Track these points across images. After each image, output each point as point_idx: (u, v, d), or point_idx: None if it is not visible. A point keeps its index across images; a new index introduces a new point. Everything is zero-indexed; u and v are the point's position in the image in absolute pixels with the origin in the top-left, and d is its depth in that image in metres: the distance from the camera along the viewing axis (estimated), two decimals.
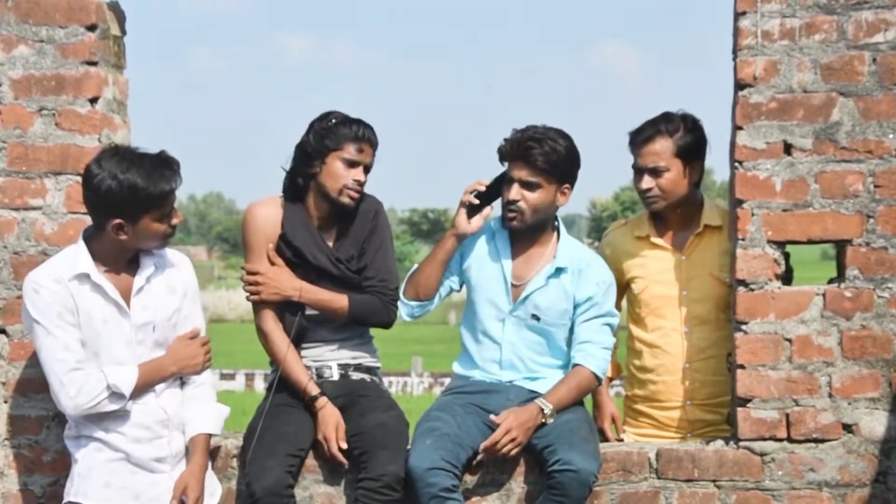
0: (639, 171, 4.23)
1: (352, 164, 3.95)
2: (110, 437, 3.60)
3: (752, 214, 3.87)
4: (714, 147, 4.27)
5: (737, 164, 3.88)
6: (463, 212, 4.04)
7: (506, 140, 3.98)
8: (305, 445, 3.90)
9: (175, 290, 3.72)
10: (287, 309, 4.02)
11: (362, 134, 3.95)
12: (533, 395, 3.96)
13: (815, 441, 3.85)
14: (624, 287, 4.33)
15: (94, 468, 3.60)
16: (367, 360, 4.12)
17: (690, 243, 4.26)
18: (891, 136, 3.82)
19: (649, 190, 4.20)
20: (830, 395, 3.85)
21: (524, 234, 4.05)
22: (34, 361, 3.72)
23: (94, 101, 3.99)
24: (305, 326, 4.03)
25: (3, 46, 3.99)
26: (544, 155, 3.91)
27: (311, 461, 3.94)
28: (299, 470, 3.89)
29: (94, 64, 3.98)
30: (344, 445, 3.86)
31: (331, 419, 3.89)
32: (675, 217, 4.28)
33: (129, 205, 3.50)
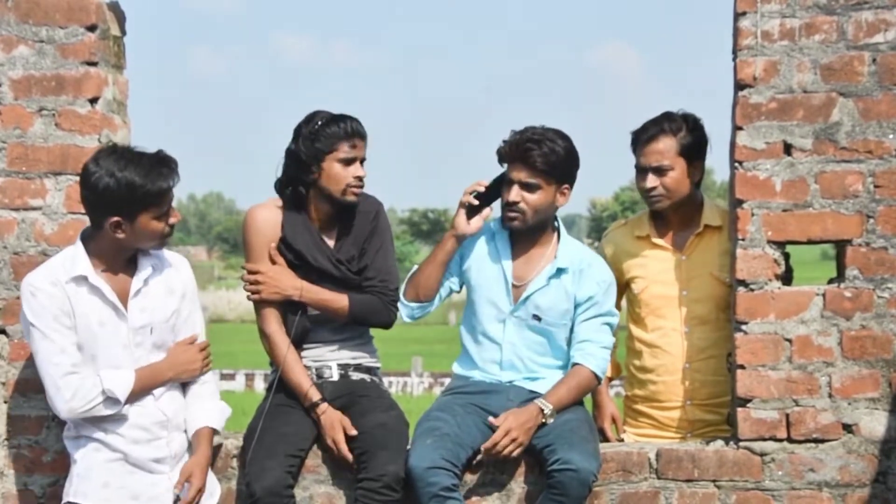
0: (642, 171, 4.23)
1: (349, 162, 3.94)
2: (109, 437, 3.60)
3: (752, 214, 3.87)
4: (714, 147, 4.28)
5: (737, 164, 3.88)
6: (462, 213, 4.04)
7: (504, 142, 3.98)
8: (305, 446, 3.90)
9: (173, 292, 3.72)
10: (288, 309, 4.02)
11: (352, 129, 3.94)
12: (533, 396, 3.96)
13: (815, 441, 3.85)
14: (624, 287, 4.33)
15: (93, 468, 3.60)
16: (367, 360, 4.12)
17: (690, 243, 4.26)
18: (891, 136, 3.82)
19: (653, 189, 4.20)
20: (830, 396, 3.85)
21: (524, 234, 4.05)
22: (34, 362, 3.71)
23: (94, 101, 3.99)
24: (307, 327, 4.03)
25: (3, 46, 3.99)
26: (543, 156, 3.91)
27: (311, 461, 3.94)
28: (299, 470, 3.89)
29: (94, 64, 3.98)
30: (353, 433, 3.85)
31: (335, 423, 3.89)
32: (676, 217, 4.28)
33: (127, 202, 3.50)
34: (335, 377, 4.05)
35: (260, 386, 16.93)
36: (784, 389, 3.86)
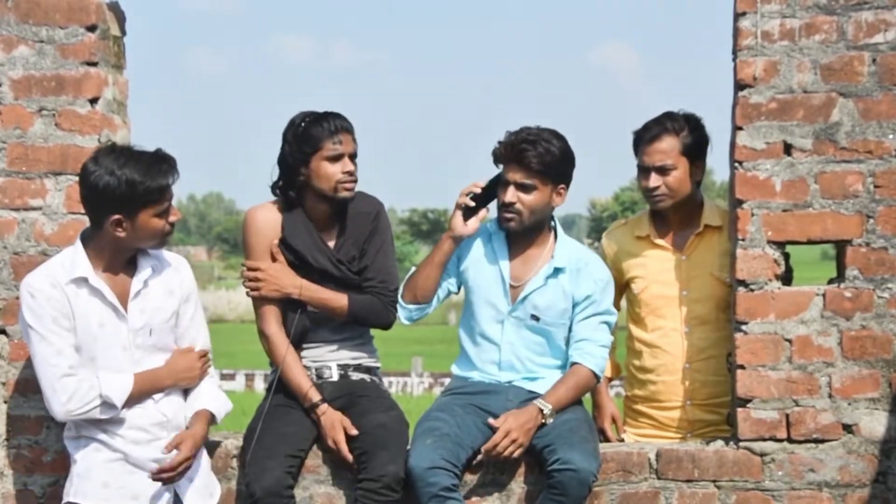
0: (645, 170, 4.22)
1: (336, 159, 3.94)
2: (109, 437, 3.60)
3: (752, 214, 3.87)
4: (714, 147, 4.29)
5: (737, 164, 3.88)
6: (459, 214, 4.04)
7: (500, 142, 3.98)
8: (305, 446, 3.90)
9: (173, 293, 3.72)
10: (288, 307, 4.02)
11: (334, 126, 3.94)
12: (532, 396, 3.96)
13: (815, 441, 3.85)
14: (624, 287, 4.33)
15: (93, 468, 3.60)
16: (366, 360, 4.12)
17: (691, 243, 4.26)
18: (891, 136, 3.82)
19: (656, 188, 4.19)
20: (830, 396, 3.85)
21: (521, 235, 4.05)
22: (32, 362, 3.70)
23: (94, 101, 3.99)
24: (307, 326, 4.03)
25: (3, 46, 3.99)
26: (538, 156, 3.91)
27: (311, 461, 3.94)
28: (299, 470, 3.89)
29: (94, 64, 3.98)
30: (354, 432, 3.86)
31: (335, 423, 3.88)
32: (676, 217, 4.28)
33: (127, 200, 3.50)
34: (335, 377, 4.05)
35: (260, 386, 16.93)
36: (784, 389, 3.86)
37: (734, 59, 3.92)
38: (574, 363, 3.99)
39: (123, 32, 4.16)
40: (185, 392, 3.75)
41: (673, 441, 4.15)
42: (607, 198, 77.23)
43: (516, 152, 3.93)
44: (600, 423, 4.39)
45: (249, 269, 4.02)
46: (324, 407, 3.92)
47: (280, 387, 4.00)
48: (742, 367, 3.87)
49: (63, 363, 3.53)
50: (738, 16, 3.88)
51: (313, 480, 3.96)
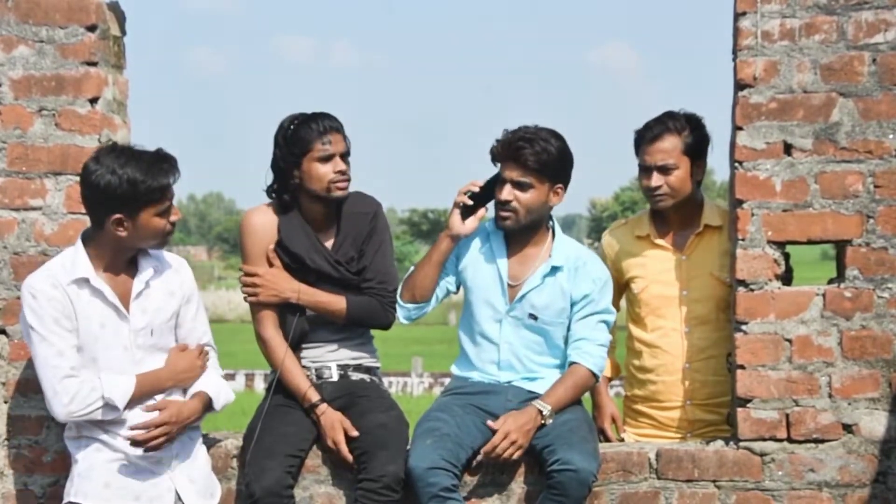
0: (646, 170, 4.22)
1: (327, 159, 3.94)
2: (110, 438, 3.60)
3: (752, 214, 3.87)
4: (714, 147, 4.28)
5: (737, 164, 3.88)
6: (457, 213, 4.04)
7: (497, 141, 3.99)
8: (305, 446, 3.90)
9: (174, 294, 3.72)
10: (286, 310, 4.02)
11: (323, 127, 3.94)
12: (532, 396, 3.96)
13: (815, 441, 3.85)
14: (623, 286, 4.33)
15: (95, 468, 3.60)
16: (366, 360, 4.12)
17: (691, 243, 4.26)
18: (891, 136, 3.82)
19: (658, 188, 4.19)
20: (830, 396, 3.85)
21: (519, 234, 4.05)
22: (33, 363, 3.70)
23: (94, 101, 3.99)
24: (306, 329, 4.03)
25: (3, 46, 3.99)
26: (535, 155, 3.92)
27: (311, 461, 3.94)
28: (299, 470, 3.89)
29: (94, 64, 3.98)
30: (354, 434, 3.85)
31: (335, 423, 3.88)
32: (676, 217, 4.28)
33: (128, 198, 3.50)
34: (335, 377, 4.05)
35: (260, 386, 16.92)
36: (784, 389, 3.86)
37: (734, 59, 3.92)
38: (573, 363, 3.99)
39: (123, 32, 4.16)
40: (186, 392, 3.75)
41: (673, 441, 4.15)
42: (607, 198, 77.22)
43: (513, 150, 3.94)
44: (600, 423, 4.39)
45: (247, 275, 4.02)
46: (323, 407, 3.92)
47: (280, 387, 4.00)
48: (742, 367, 3.87)
49: (64, 364, 3.53)
50: (738, 16, 3.88)
51: (313, 480, 3.96)
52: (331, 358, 4.07)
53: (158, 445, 3.58)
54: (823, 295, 3.86)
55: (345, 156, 3.98)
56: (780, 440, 3.86)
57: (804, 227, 3.86)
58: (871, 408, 3.84)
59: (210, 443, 3.96)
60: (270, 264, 4.02)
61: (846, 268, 3.85)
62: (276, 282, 3.99)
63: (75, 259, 3.59)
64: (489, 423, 3.88)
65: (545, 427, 3.86)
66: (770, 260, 3.87)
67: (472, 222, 4.04)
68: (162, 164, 3.55)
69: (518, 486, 3.94)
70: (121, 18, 4.14)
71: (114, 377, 3.57)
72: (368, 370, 4.11)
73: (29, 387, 3.97)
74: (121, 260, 3.63)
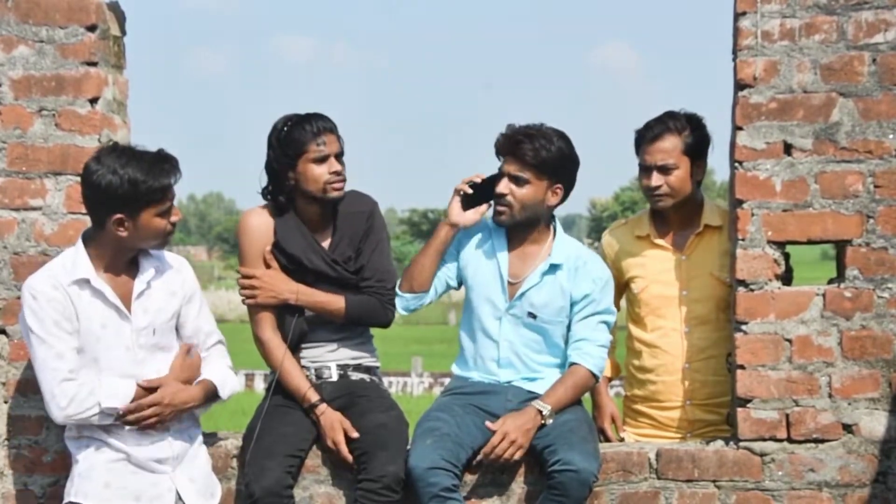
0: (647, 169, 4.22)
1: (322, 160, 3.94)
2: (111, 438, 3.60)
3: (752, 214, 3.87)
4: (714, 147, 4.28)
5: (737, 164, 3.88)
6: (457, 200, 4.05)
7: (501, 134, 4.00)
8: (305, 446, 3.90)
9: (175, 294, 3.72)
10: (285, 311, 4.02)
11: (317, 128, 3.93)
12: (532, 396, 3.96)
13: (815, 441, 3.85)
14: (623, 286, 4.33)
15: (95, 468, 3.60)
16: (366, 359, 4.12)
17: (691, 243, 4.26)
18: (891, 136, 3.82)
19: (658, 188, 4.19)
20: (830, 396, 3.85)
21: (520, 232, 4.05)
22: (33, 365, 3.70)
23: (94, 101, 3.99)
24: (305, 329, 4.03)
25: (3, 46, 3.99)
26: (534, 150, 3.92)
27: (311, 461, 3.94)
28: (299, 470, 3.89)
29: (94, 64, 3.98)
30: (354, 435, 3.85)
31: (335, 424, 3.88)
32: (676, 217, 4.28)
33: (129, 198, 3.50)
34: (334, 377, 4.05)
35: (260, 386, 16.94)
36: (784, 389, 3.86)
37: (734, 59, 3.92)
38: (573, 363, 3.99)
39: (123, 32, 4.16)
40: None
41: (673, 441, 4.15)
42: (607, 198, 77.23)
43: (513, 144, 3.95)
44: (600, 422, 4.39)
45: (244, 277, 4.02)
46: (322, 407, 3.92)
47: (279, 387, 4.00)
48: (742, 367, 3.87)
49: (63, 367, 3.53)
50: (738, 16, 3.88)
51: (313, 480, 3.96)
52: (330, 358, 4.07)
53: (151, 425, 3.58)
54: (823, 295, 3.86)
55: (339, 156, 3.98)
56: (780, 440, 3.86)
57: (804, 227, 3.86)
58: (871, 408, 3.84)
59: (210, 443, 3.96)
60: (268, 266, 4.01)
61: (846, 268, 3.85)
62: (273, 283, 3.99)
63: (76, 259, 3.59)
64: (488, 424, 3.88)
65: (545, 427, 3.86)
66: (770, 260, 3.87)
67: (472, 214, 4.05)
68: (163, 164, 3.56)
69: (518, 487, 3.94)
70: (121, 18, 4.14)
71: (114, 382, 3.57)
72: (368, 370, 4.11)
73: (29, 387, 3.97)
74: (121, 260, 3.63)
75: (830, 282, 3.92)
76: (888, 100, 3.82)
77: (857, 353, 3.84)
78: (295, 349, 4.04)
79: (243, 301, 4.04)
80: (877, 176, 3.83)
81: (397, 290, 4.09)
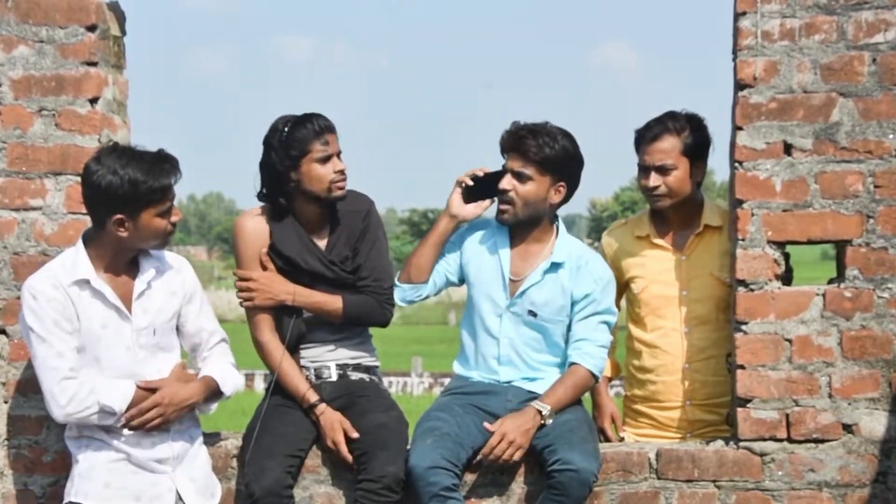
0: (645, 169, 4.23)
1: (326, 160, 3.93)
2: (111, 438, 3.60)
3: (752, 214, 3.87)
4: (714, 147, 4.28)
5: (737, 164, 3.88)
6: (457, 192, 4.06)
7: (506, 131, 4.01)
8: (305, 446, 3.90)
9: (175, 294, 3.72)
10: (283, 313, 4.02)
11: (319, 127, 3.92)
12: (532, 396, 3.96)
13: (815, 441, 3.85)
14: (623, 286, 4.33)
15: (95, 468, 3.60)
16: (365, 359, 4.12)
17: (691, 243, 4.26)
18: (891, 136, 3.82)
19: (656, 188, 4.20)
20: (830, 396, 3.85)
21: (522, 230, 4.06)
22: (33, 364, 3.71)
23: (94, 101, 3.99)
24: (303, 331, 4.02)
25: (3, 46, 3.99)
26: (538, 147, 3.93)
27: (311, 461, 3.94)
28: (299, 470, 3.89)
29: (94, 64, 3.98)
30: (354, 435, 3.85)
31: (335, 424, 3.88)
32: (676, 217, 4.28)
33: (130, 199, 3.50)
34: (334, 377, 4.05)
35: (260, 386, 16.95)
36: (784, 389, 3.86)
37: (734, 59, 3.92)
38: (572, 363, 3.99)
39: (123, 32, 4.16)
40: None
41: (673, 441, 4.15)
42: (607, 198, 77.25)
43: (517, 140, 3.96)
44: (600, 422, 4.39)
45: (241, 279, 4.02)
46: (322, 407, 3.92)
47: (279, 388, 4.00)
48: (742, 367, 3.87)
49: (63, 366, 3.53)
50: (738, 16, 3.88)
51: (313, 480, 3.96)
52: (329, 358, 4.06)
53: (155, 427, 3.59)
54: (823, 295, 3.86)
55: (340, 155, 3.98)
56: (780, 440, 3.87)
57: (804, 227, 3.86)
58: (871, 408, 3.84)
59: (210, 443, 3.96)
60: (264, 268, 4.01)
61: (846, 268, 3.85)
62: (270, 285, 3.99)
63: (76, 260, 3.59)
64: (486, 425, 3.88)
65: (545, 427, 3.86)
66: (770, 260, 3.87)
67: (473, 208, 4.06)
68: (163, 164, 3.56)
69: (518, 486, 3.94)
70: (121, 18, 4.14)
71: (114, 382, 3.57)
72: (368, 369, 4.11)
73: (29, 387, 3.97)
74: (122, 260, 3.64)
75: (830, 282, 3.92)
76: (888, 100, 3.82)
77: (857, 353, 3.84)
78: (293, 350, 4.04)
79: (241, 304, 4.04)
80: (877, 176, 3.83)
81: (396, 281, 4.10)
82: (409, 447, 3.82)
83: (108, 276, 3.61)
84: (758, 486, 3.88)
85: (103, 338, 3.58)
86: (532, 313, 4.01)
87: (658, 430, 4.27)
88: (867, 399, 3.84)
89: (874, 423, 3.84)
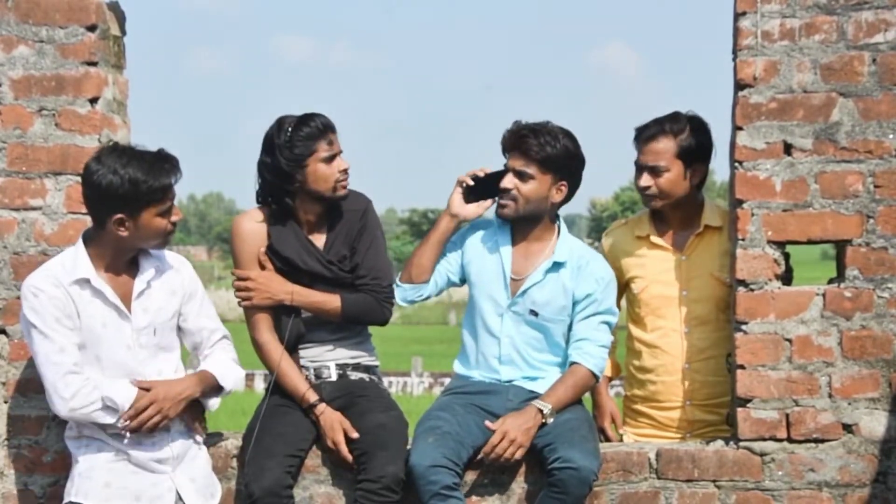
0: (639, 169, 4.23)
1: (331, 159, 3.94)
2: (112, 438, 3.60)
3: (752, 214, 3.87)
4: (716, 149, 4.27)
5: (737, 164, 3.88)
6: (458, 191, 4.06)
7: (507, 130, 4.02)
8: (304, 446, 3.90)
9: (175, 293, 3.73)
10: (282, 312, 4.02)
11: (323, 126, 3.93)
12: (533, 396, 3.96)
13: (815, 441, 3.85)
14: (623, 287, 4.33)
15: (95, 468, 3.60)
16: (365, 359, 4.12)
17: (691, 243, 4.26)
18: (891, 136, 3.82)
19: (647, 188, 4.21)
20: (830, 396, 3.85)
21: (523, 228, 4.06)
22: (34, 362, 3.71)
23: (94, 101, 3.99)
24: (302, 330, 4.02)
25: (3, 46, 3.99)
26: (539, 145, 3.94)
27: (310, 461, 3.94)
28: (298, 470, 3.89)
29: (94, 64, 3.98)
30: (354, 435, 3.85)
31: (334, 424, 3.88)
32: (676, 217, 4.28)
33: (130, 198, 3.50)
34: (333, 377, 4.05)
35: (260, 386, 16.95)
36: (784, 389, 3.86)
37: (734, 59, 3.92)
38: (573, 363, 3.99)
39: (123, 32, 4.16)
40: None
41: (673, 441, 4.15)
42: (607, 198, 77.25)
43: (518, 139, 3.97)
44: (600, 422, 4.40)
45: (239, 279, 4.02)
46: (321, 407, 3.92)
47: (278, 388, 4.00)
48: (742, 367, 3.87)
49: (66, 360, 3.53)
50: (738, 16, 3.88)
51: (313, 480, 3.96)
52: (329, 357, 4.06)
53: (154, 425, 3.58)
54: (823, 295, 3.86)
55: (341, 154, 3.99)
56: (780, 440, 3.87)
57: (804, 227, 3.86)
58: (871, 408, 3.84)
59: (210, 443, 3.96)
60: (263, 268, 4.01)
61: (846, 268, 3.85)
62: (268, 285, 3.99)
63: (76, 259, 3.59)
64: (487, 424, 3.88)
65: (546, 426, 3.86)
66: (770, 260, 3.87)
67: (473, 208, 4.06)
68: (163, 164, 3.56)
69: (518, 486, 3.94)
70: (121, 18, 4.14)
71: (117, 381, 3.57)
72: (367, 369, 4.11)
73: (29, 387, 3.97)
74: (122, 260, 3.64)
75: (830, 282, 3.92)
76: (888, 100, 3.82)
77: (857, 353, 3.84)
78: (293, 350, 4.04)
79: (239, 303, 4.04)
80: (877, 176, 3.83)
81: (397, 280, 4.10)
82: (409, 447, 3.82)
83: (109, 275, 3.62)
84: (758, 486, 3.88)
85: (103, 337, 3.58)
86: (533, 313, 4.02)
87: (658, 430, 4.27)
88: (867, 399, 3.84)
89: (874, 423, 3.84)
